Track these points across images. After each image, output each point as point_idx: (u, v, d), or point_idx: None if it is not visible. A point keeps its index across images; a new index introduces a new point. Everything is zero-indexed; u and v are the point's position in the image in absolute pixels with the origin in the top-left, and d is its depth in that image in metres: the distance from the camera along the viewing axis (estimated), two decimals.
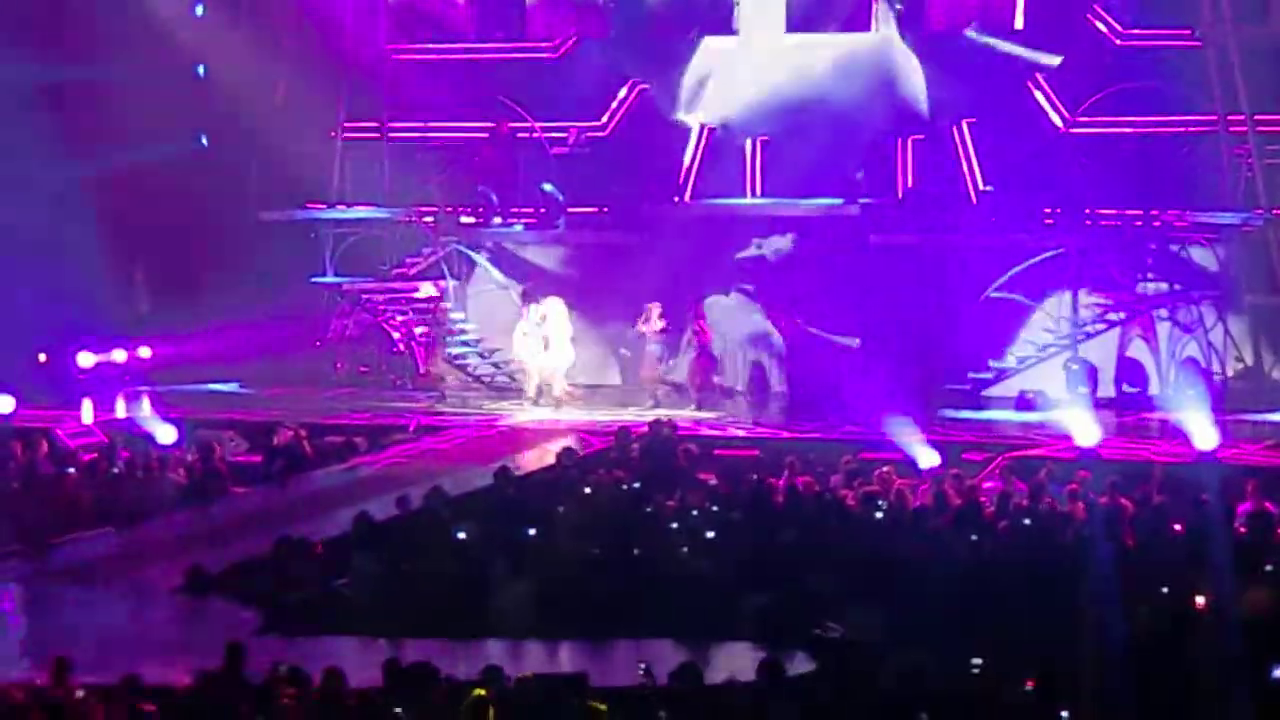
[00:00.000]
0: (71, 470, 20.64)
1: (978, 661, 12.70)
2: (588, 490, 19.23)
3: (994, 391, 26.26)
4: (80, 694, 11.98)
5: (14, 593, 17.25)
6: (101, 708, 11.79)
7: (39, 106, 28.18)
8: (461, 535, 17.29)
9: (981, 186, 27.92)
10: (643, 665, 12.54)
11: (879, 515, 17.95)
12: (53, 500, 19.56)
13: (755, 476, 19.47)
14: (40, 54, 28.48)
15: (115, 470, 20.84)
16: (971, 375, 26.37)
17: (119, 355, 27.53)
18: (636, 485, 19.43)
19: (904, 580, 15.45)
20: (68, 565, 18.04)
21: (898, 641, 13.51)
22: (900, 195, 28.29)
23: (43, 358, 27.61)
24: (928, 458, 20.26)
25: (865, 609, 14.79)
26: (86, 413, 24.04)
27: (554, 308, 26.51)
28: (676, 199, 28.85)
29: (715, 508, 18.25)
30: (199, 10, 30.30)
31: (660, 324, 26.42)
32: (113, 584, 17.42)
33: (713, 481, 19.57)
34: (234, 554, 17.68)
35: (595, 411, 25.81)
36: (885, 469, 19.36)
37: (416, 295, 28.29)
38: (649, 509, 18.33)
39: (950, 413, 25.22)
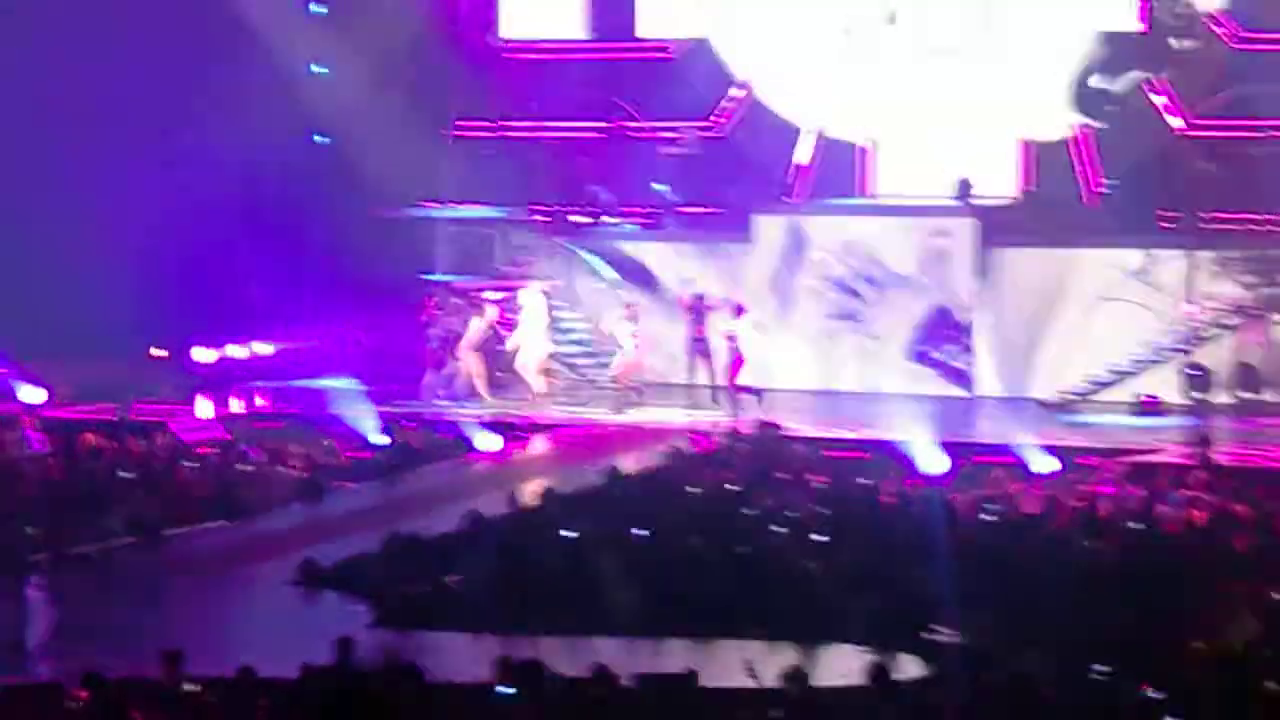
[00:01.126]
0: (187, 464, 20.86)
1: (1100, 669, 12.56)
2: (693, 490, 19.21)
3: (1110, 396, 25.99)
4: (192, 688, 12.08)
5: (130, 585, 17.48)
6: (214, 701, 11.90)
7: (160, 105, 28.52)
8: (570, 534, 17.31)
9: (1099, 189, 27.69)
10: (749, 664, 12.51)
11: (992, 519, 17.81)
12: (168, 493, 19.79)
13: (863, 480, 19.40)
14: (158, 54, 28.84)
15: (230, 464, 21.05)
16: (1087, 379, 26.12)
17: (236, 351, 27.80)
18: (742, 487, 19.37)
19: (1017, 585, 15.33)
20: (182, 557, 18.23)
21: (1010, 646, 13.38)
22: (1018, 198, 28.09)
23: (158, 352, 27.92)
24: (1044, 463, 20.08)
25: (977, 613, 14.67)
26: (203, 407, 24.30)
27: (531, 299, 26.41)
28: (786, 199, 28.78)
29: (824, 510, 18.17)
30: (315, 9, 30.57)
31: (632, 326, 25.81)
32: (226, 577, 17.59)
33: (821, 483, 19.50)
34: (346, 549, 17.81)
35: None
36: (998, 473, 19.23)
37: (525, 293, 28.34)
38: (756, 510, 18.27)
39: (1066, 417, 25.02)
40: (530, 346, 26.06)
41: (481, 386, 26.12)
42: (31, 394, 24.64)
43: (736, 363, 25.40)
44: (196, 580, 17.45)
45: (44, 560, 17.53)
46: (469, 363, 26.23)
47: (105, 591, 17.24)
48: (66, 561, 17.60)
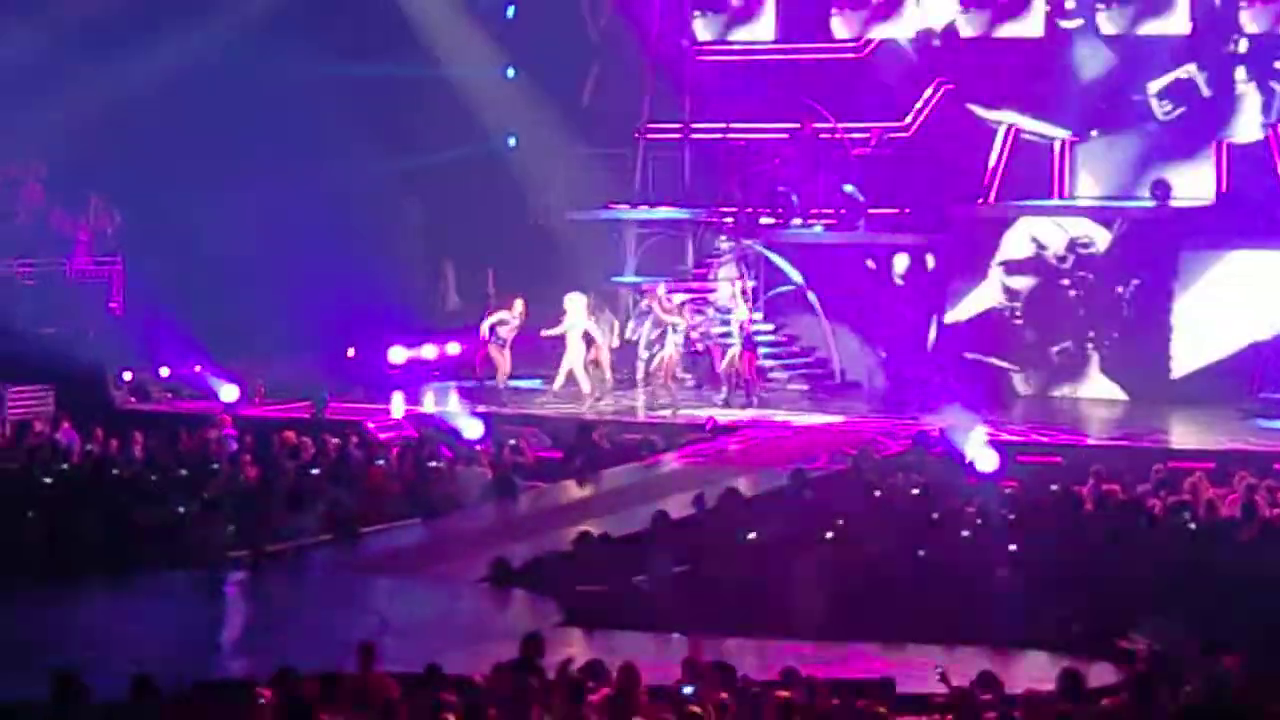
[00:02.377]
0: (381, 462, 21.15)
1: None
2: (878, 494, 19.09)
3: None
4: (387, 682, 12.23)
5: (323, 582, 17.77)
6: (403, 697, 12.05)
7: (355, 104, 29.00)
8: (752, 535, 17.27)
9: None
10: (939, 669, 12.40)
11: (1188, 525, 17.50)
12: (362, 491, 20.08)
13: (1055, 486, 19.16)
14: (355, 54, 29.36)
15: (424, 463, 21.31)
16: None
17: (429, 351, 28.12)
18: (930, 490, 19.20)
19: (1213, 591, 15.04)
20: (376, 555, 18.48)
21: (1206, 654, 13.13)
22: (1215, 199, 27.55)
23: (351, 352, 28.35)
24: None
25: (1172, 620, 14.42)
26: (396, 407, 24.62)
27: (574, 304, 26.33)
28: (981, 200, 28.49)
29: (1013, 515, 17.97)
30: (510, 12, 30.91)
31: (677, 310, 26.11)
32: (419, 574, 17.79)
33: (1012, 488, 19.30)
34: (536, 548, 17.95)
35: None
36: (1196, 477, 18.90)
37: (715, 295, 28.36)
38: (943, 514, 18.09)
39: (1265, 422, 24.51)
40: (568, 351, 26.11)
41: (500, 379, 26.20)
42: (228, 391, 25.15)
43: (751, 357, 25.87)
44: (390, 577, 17.66)
45: (242, 557, 17.85)
46: (496, 358, 26.35)
47: (300, 589, 17.56)
48: (264, 558, 17.91)
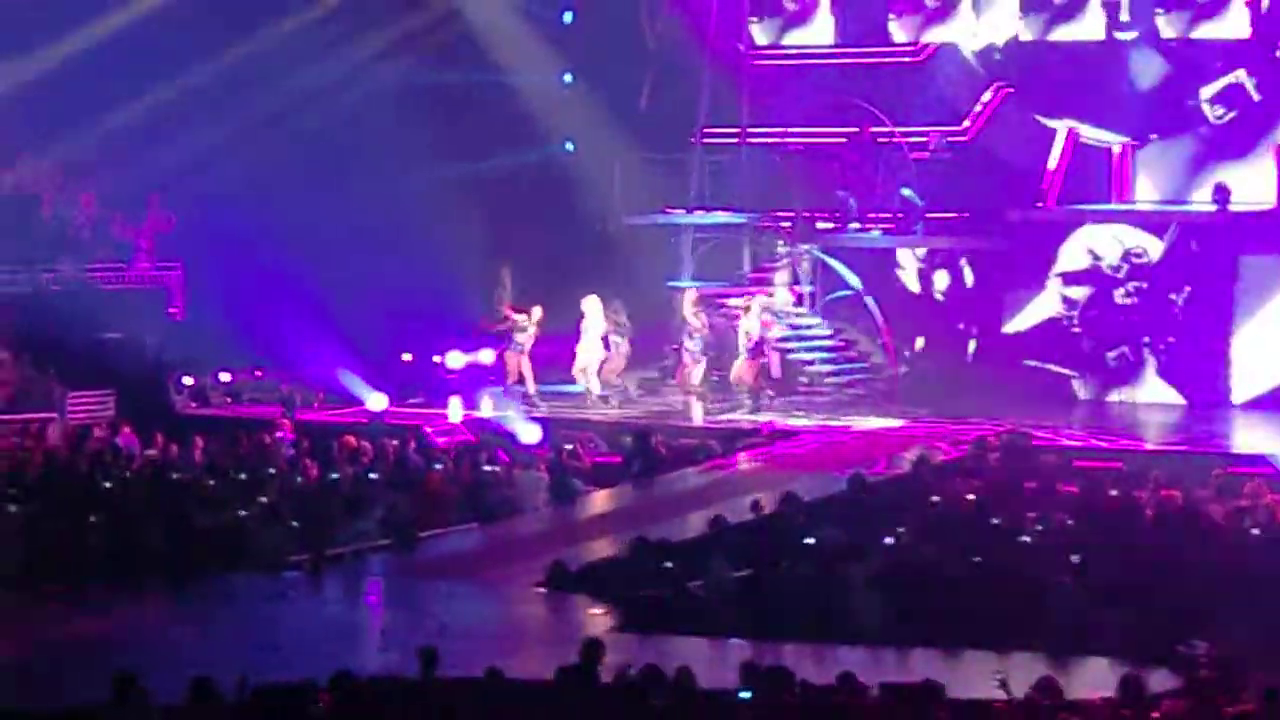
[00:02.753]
0: (439, 467, 21.22)
1: None
2: (936, 499, 19.03)
3: None
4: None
5: (383, 586, 17.84)
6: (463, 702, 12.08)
7: (413, 110, 29.09)
8: (810, 540, 17.23)
9: None
10: (999, 676, 12.35)
11: (1248, 531, 17.39)
12: (420, 496, 20.14)
13: (1115, 491, 19.06)
14: (414, 59, 29.48)
15: (481, 468, 21.37)
16: None
17: (486, 356, 28.18)
18: (988, 496, 19.11)
19: (1275, 598, 14.95)
20: (435, 560, 18.54)
21: (1266, 660, 13.05)
22: (1276, 203, 27.36)
23: (407, 357, 28.44)
24: None
25: (1232, 626, 14.34)
26: (454, 411, 24.69)
27: (591, 306, 26.24)
28: (1039, 204, 28.38)
29: (1074, 521, 17.89)
30: (567, 18, 30.97)
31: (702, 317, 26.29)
32: (476, 579, 17.83)
33: (1073, 492, 19.21)
34: (593, 552, 17.97)
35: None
36: (1255, 483, 18.79)
37: (773, 300, 28.33)
38: (1003, 520, 18.02)
39: None
40: (586, 352, 26.14)
41: (530, 386, 26.27)
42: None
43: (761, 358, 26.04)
44: (448, 582, 17.70)
45: (302, 561, 17.93)
46: (514, 365, 26.35)
47: (359, 593, 17.64)
48: (323, 563, 17.98)
